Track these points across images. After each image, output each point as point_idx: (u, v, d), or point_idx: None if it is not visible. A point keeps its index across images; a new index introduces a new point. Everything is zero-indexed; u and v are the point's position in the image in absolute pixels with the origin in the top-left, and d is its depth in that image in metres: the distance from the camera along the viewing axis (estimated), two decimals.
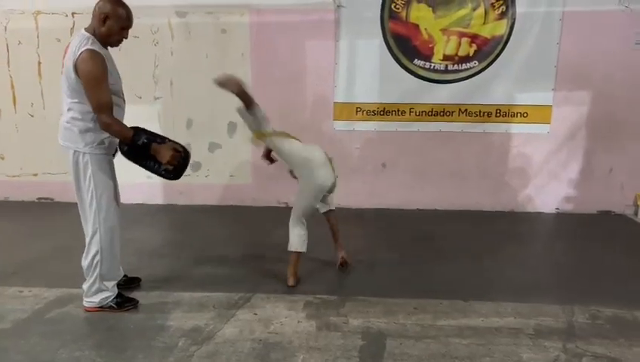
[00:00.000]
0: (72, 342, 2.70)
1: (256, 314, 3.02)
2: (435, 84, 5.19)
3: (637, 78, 5.04)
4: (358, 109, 5.31)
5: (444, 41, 5.09)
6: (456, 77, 5.16)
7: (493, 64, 5.10)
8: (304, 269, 3.55)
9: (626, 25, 4.94)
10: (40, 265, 3.82)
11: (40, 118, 5.47)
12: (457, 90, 5.18)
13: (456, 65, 5.14)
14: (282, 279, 3.46)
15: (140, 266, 3.70)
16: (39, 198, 5.74)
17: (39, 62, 5.39)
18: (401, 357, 2.57)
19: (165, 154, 2.93)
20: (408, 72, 5.18)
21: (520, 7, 4.98)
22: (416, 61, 5.16)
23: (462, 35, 5.07)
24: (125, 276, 3.35)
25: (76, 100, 2.80)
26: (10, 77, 5.47)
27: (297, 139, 3.49)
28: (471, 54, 5.10)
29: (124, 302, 3.08)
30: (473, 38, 5.06)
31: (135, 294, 3.23)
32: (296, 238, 3.36)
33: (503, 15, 5.01)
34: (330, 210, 3.66)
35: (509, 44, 5.05)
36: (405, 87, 5.21)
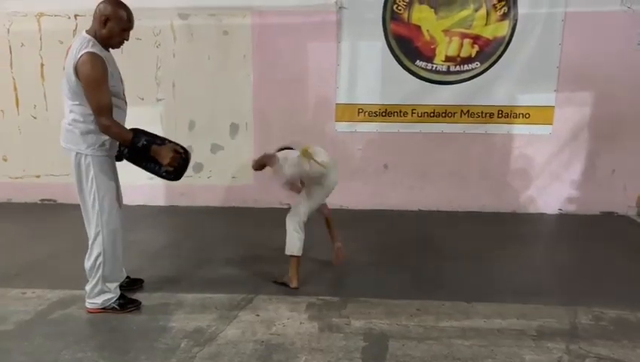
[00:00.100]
0: (75, 343, 2.70)
1: (258, 315, 3.02)
2: (437, 85, 5.19)
3: (639, 78, 5.03)
4: (360, 110, 5.31)
5: (446, 43, 5.09)
6: (459, 78, 5.16)
7: (495, 65, 5.10)
8: (306, 270, 3.54)
9: (629, 26, 4.93)
10: (43, 266, 3.83)
11: (43, 119, 5.48)
12: (459, 91, 5.18)
13: (458, 67, 5.14)
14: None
15: (143, 267, 3.71)
16: (42, 200, 5.75)
17: (42, 64, 5.41)
18: (403, 358, 2.56)
19: (166, 156, 2.93)
20: (410, 73, 5.18)
21: (522, 8, 4.98)
22: (418, 62, 5.16)
23: (464, 36, 5.07)
24: (128, 277, 3.35)
25: (77, 102, 2.80)
26: (13, 79, 5.48)
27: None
28: (473, 55, 5.10)
29: (126, 303, 3.08)
30: (475, 39, 5.06)
31: (137, 295, 3.23)
32: (298, 242, 3.36)
33: (505, 16, 5.01)
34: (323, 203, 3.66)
35: (511, 45, 5.05)
36: (407, 89, 5.21)
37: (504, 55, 5.07)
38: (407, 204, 5.45)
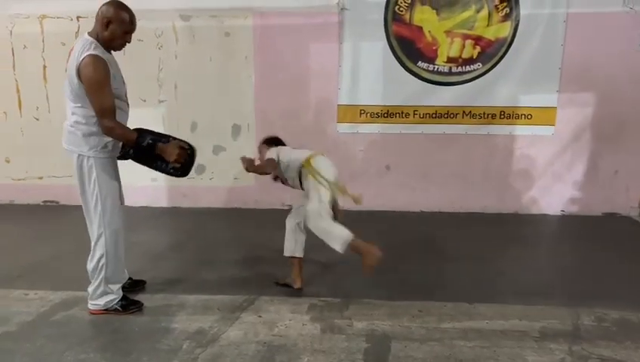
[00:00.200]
0: (78, 344, 2.70)
1: (260, 316, 3.02)
2: (438, 87, 5.19)
3: None
4: (362, 112, 5.31)
5: (448, 44, 5.10)
6: (460, 79, 5.16)
7: (497, 66, 5.10)
8: (307, 272, 3.54)
9: (631, 26, 4.93)
10: (45, 267, 3.84)
11: (45, 121, 5.50)
12: (461, 93, 5.18)
13: (460, 68, 5.14)
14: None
15: (145, 269, 3.71)
16: (44, 201, 5.76)
17: (44, 66, 5.42)
18: (405, 359, 2.56)
19: (172, 153, 2.93)
20: (412, 75, 5.18)
21: (524, 9, 4.97)
22: (419, 63, 5.16)
23: (466, 37, 5.07)
24: (130, 279, 3.35)
25: (79, 105, 2.80)
26: (16, 81, 5.50)
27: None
28: (475, 56, 5.10)
29: (129, 304, 3.08)
30: (477, 40, 5.06)
31: (140, 297, 3.23)
32: (295, 243, 3.35)
33: (506, 17, 5.01)
34: None
35: (513, 45, 5.05)
36: (409, 90, 5.22)
37: (506, 56, 5.07)
38: (410, 205, 5.45)
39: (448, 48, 5.11)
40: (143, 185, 5.37)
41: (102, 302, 3.02)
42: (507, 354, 2.61)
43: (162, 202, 5.64)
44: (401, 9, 5.07)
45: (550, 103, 5.15)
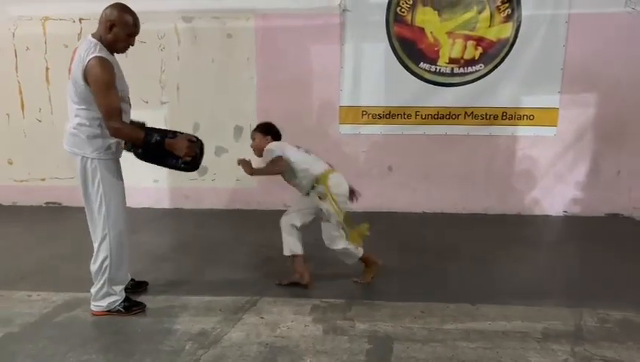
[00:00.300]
0: (80, 345, 2.70)
1: (262, 317, 3.02)
2: (440, 87, 5.19)
3: None
4: (364, 113, 5.31)
5: (450, 44, 5.10)
6: (462, 80, 5.16)
7: (499, 67, 5.10)
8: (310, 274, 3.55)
9: (633, 27, 4.92)
10: (48, 269, 3.84)
11: (48, 123, 5.51)
12: (463, 93, 5.18)
13: (462, 69, 5.13)
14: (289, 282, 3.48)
15: (147, 270, 3.72)
16: (47, 203, 5.77)
17: (47, 68, 5.44)
18: (408, 360, 2.56)
19: (182, 146, 2.94)
20: (414, 76, 5.18)
21: (526, 10, 4.97)
22: (421, 64, 5.16)
23: (467, 38, 5.07)
24: (132, 280, 3.35)
25: (83, 107, 2.81)
26: (19, 82, 5.52)
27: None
28: (477, 57, 5.10)
29: (131, 305, 3.08)
30: (479, 41, 5.06)
31: (142, 298, 3.24)
32: (292, 241, 3.38)
33: (508, 18, 5.01)
34: None
35: (514, 46, 5.05)
36: (411, 91, 5.22)
37: (508, 57, 5.07)
38: (412, 206, 5.45)
39: (450, 49, 5.11)
40: (145, 186, 5.38)
41: (105, 303, 3.02)
42: (510, 355, 2.60)
43: (164, 203, 5.64)
44: (402, 10, 5.07)
45: (552, 104, 5.14)
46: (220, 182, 5.56)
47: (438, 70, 5.16)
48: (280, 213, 3.55)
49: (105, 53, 2.77)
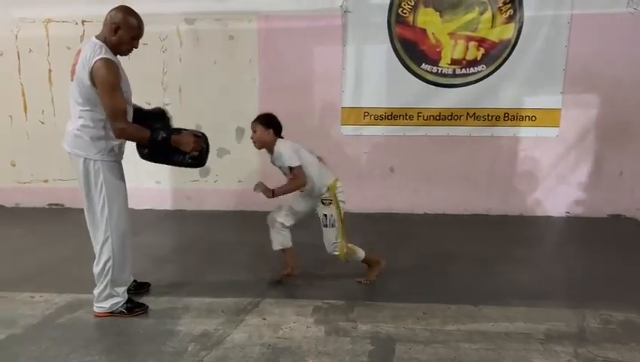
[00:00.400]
0: (83, 347, 2.71)
1: (265, 319, 3.02)
2: (442, 89, 5.19)
3: None
4: (366, 114, 5.31)
5: (452, 45, 5.09)
6: (464, 81, 5.16)
7: (501, 68, 5.09)
8: (311, 274, 3.56)
9: (635, 27, 4.92)
10: (50, 270, 3.85)
11: (50, 124, 5.52)
12: (465, 94, 5.18)
13: (464, 70, 5.13)
14: (290, 284, 3.49)
15: (149, 271, 3.72)
16: (50, 204, 5.78)
17: (50, 70, 5.45)
18: (410, 361, 2.56)
19: (188, 142, 2.95)
20: (416, 77, 5.18)
21: (528, 11, 4.97)
22: (423, 65, 5.16)
23: (469, 39, 5.06)
24: (135, 281, 3.35)
25: (87, 108, 2.82)
26: (21, 84, 5.53)
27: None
28: (479, 58, 5.10)
29: (134, 307, 3.09)
30: (481, 41, 5.06)
31: (145, 299, 3.24)
32: (279, 237, 3.46)
33: (510, 19, 5.00)
34: None
35: (516, 47, 5.04)
36: (413, 92, 5.22)
37: (510, 58, 5.07)
38: (413, 207, 5.44)
39: (452, 50, 5.11)
40: (148, 187, 5.39)
41: (107, 304, 3.02)
42: (512, 357, 2.60)
43: (166, 205, 5.64)
44: (404, 11, 5.07)
45: (554, 105, 5.14)
46: (222, 183, 5.56)
47: (440, 71, 5.16)
48: None
49: (110, 55, 2.78)
